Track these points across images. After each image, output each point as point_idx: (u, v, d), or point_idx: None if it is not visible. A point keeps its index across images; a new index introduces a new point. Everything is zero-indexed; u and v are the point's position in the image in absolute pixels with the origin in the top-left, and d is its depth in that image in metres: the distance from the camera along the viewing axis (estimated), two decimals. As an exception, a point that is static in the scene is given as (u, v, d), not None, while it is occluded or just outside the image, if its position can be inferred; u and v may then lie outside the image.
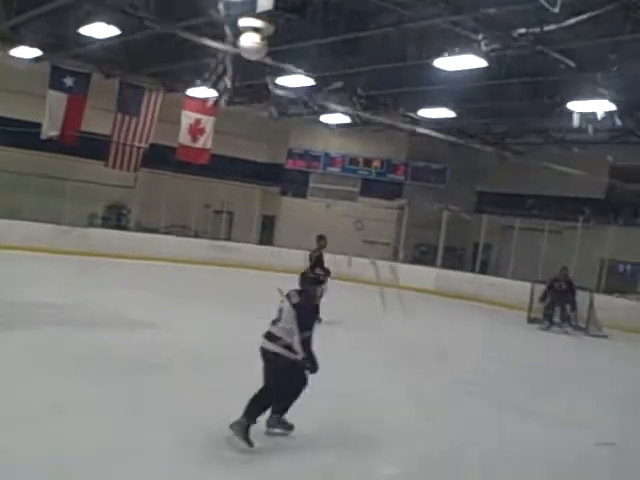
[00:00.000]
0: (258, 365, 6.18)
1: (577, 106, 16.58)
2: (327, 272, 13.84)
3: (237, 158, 26.23)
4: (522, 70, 15.85)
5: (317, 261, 13.79)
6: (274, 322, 6.30)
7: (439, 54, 14.18)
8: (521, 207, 23.72)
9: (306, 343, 6.07)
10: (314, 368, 6.16)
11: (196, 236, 25.02)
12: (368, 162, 27.39)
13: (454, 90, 18.05)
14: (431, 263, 24.28)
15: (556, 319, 17.40)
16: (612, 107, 16.09)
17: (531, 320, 18.05)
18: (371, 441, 6.73)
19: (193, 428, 6.26)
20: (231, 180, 25.89)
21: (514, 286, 20.33)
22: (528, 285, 18.76)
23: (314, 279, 6.77)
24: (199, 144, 24.28)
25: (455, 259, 25.23)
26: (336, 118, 24.03)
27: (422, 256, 25.79)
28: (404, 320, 13.19)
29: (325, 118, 24.50)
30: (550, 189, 23.27)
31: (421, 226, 24.77)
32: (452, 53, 13.89)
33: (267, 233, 27.95)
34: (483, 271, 23.77)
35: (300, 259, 24.23)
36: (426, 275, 23.29)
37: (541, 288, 17.93)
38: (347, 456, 6.21)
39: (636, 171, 22.24)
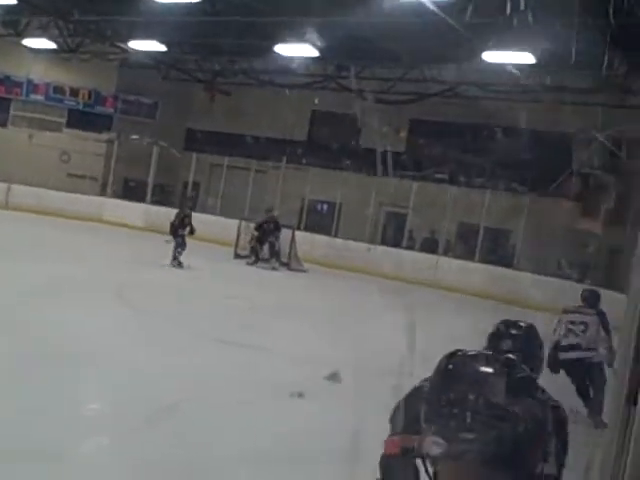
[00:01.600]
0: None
1: (283, 49, 17.26)
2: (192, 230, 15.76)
3: None
4: (234, 9, 16.01)
5: (184, 219, 15.79)
6: (566, 335, 7.39)
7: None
8: (230, 146, 24.22)
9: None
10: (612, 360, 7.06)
11: None
12: (75, 92, 26.03)
13: (166, 23, 17.71)
14: (141, 199, 24.02)
15: (264, 255, 18.26)
16: (315, 53, 16.98)
17: (237, 255, 18.80)
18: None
19: None
20: None
21: (222, 223, 20.89)
22: (235, 222, 19.48)
23: None
24: None
25: (165, 195, 25.23)
26: (40, 42, 22.49)
27: (131, 192, 25.38)
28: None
29: (28, 42, 22.82)
30: (258, 130, 24.00)
31: (131, 161, 24.28)
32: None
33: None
34: (192, 208, 24.00)
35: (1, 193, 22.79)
36: (135, 211, 23.07)
37: (249, 225, 18.75)
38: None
39: (333, 116, 23.80)
